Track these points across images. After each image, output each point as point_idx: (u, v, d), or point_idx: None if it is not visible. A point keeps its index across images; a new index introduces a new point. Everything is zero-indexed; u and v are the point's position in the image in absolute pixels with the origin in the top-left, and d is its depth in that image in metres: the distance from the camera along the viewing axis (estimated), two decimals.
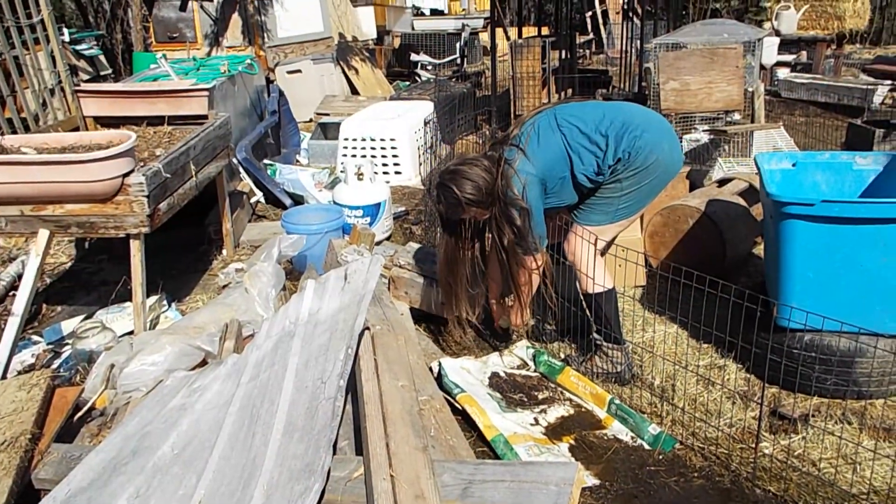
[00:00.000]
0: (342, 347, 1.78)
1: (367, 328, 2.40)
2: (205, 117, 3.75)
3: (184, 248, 4.05)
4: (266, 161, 5.41)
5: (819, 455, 2.31)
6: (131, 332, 3.00)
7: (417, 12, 11.38)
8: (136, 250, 2.89)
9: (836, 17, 10.47)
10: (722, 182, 4.01)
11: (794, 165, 3.00)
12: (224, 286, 3.45)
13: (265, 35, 7.86)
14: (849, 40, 12.79)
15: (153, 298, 3.23)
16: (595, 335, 2.82)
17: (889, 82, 8.80)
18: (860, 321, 2.41)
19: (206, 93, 3.73)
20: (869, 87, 8.46)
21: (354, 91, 8.77)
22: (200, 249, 4.06)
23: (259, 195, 4.85)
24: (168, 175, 3.04)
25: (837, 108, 8.36)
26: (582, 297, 2.81)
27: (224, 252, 4.01)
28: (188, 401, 2.10)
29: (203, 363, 2.59)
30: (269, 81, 6.97)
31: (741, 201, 3.71)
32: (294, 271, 3.78)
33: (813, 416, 2.48)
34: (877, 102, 8.26)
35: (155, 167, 2.95)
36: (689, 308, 2.76)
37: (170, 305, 3.34)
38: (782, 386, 2.63)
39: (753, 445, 2.32)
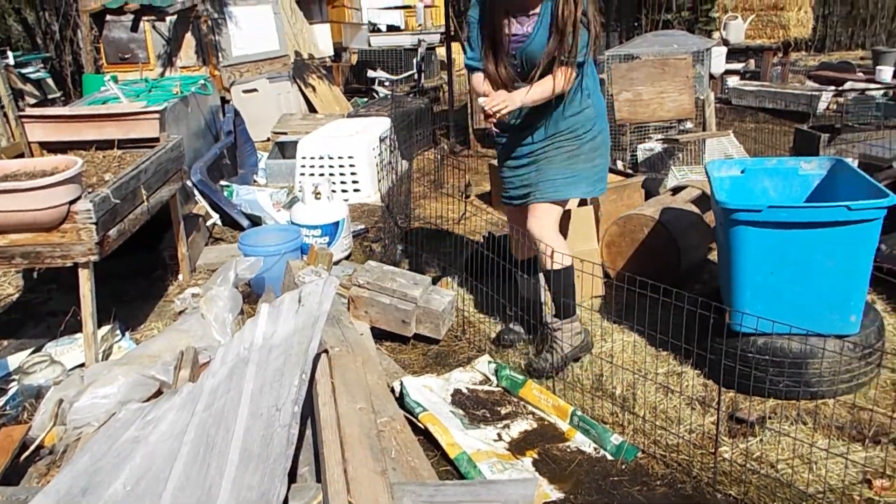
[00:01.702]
0: (297, 372, 1.76)
1: (326, 350, 2.38)
2: (157, 140, 3.69)
3: (138, 274, 3.97)
4: (222, 182, 5.35)
5: (776, 457, 2.34)
6: (82, 365, 2.92)
7: (374, 29, 11.38)
8: (86, 279, 2.82)
9: (781, 26, 10.82)
10: (676, 190, 4.07)
11: (742, 172, 3.06)
12: (180, 312, 3.39)
13: (220, 54, 7.79)
14: (794, 48, 13.15)
15: (105, 328, 3.15)
16: (552, 320, 2.92)
17: (833, 88, 9.06)
18: (810, 323, 2.46)
19: (157, 115, 3.67)
20: (814, 93, 8.69)
21: (312, 109, 8.72)
22: (155, 275, 3.98)
23: (215, 217, 4.79)
24: (118, 200, 2.98)
25: (785, 113, 8.57)
26: (545, 276, 2.95)
27: (180, 277, 3.94)
28: (142, 433, 2.05)
29: (158, 393, 2.54)
30: (224, 101, 6.91)
31: (695, 209, 3.77)
32: (252, 294, 3.73)
33: (769, 418, 2.52)
34: (821, 108, 8.50)
35: (103, 193, 2.89)
36: (646, 316, 2.79)
37: (123, 334, 3.27)
38: (739, 390, 2.67)
39: (713, 451, 2.34)
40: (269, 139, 7.37)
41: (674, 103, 5.50)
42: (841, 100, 8.52)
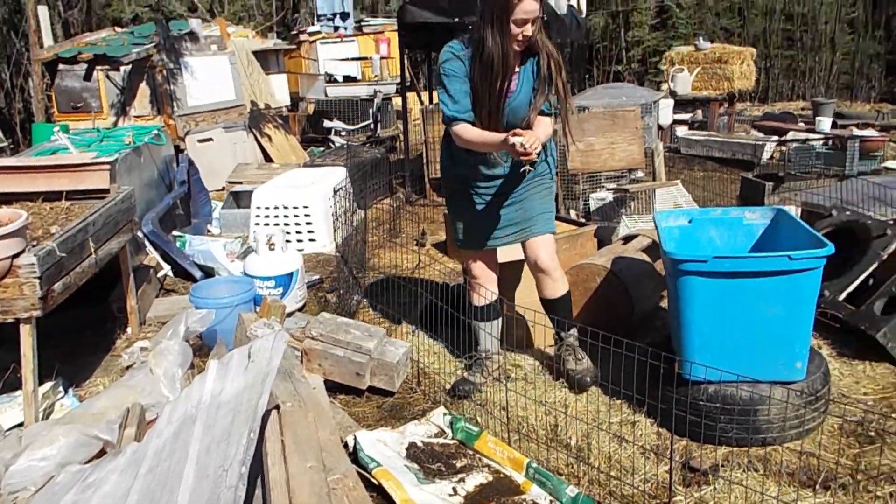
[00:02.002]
0: (245, 431, 1.72)
1: (277, 406, 2.33)
2: (106, 191, 3.64)
3: (85, 327, 3.86)
4: (175, 233, 5.28)
5: None
6: (21, 425, 2.81)
7: (330, 79, 11.49)
8: (27, 335, 2.74)
9: (725, 79, 11.29)
10: (627, 239, 4.15)
11: (690, 222, 3.14)
12: (127, 367, 3.30)
13: (175, 104, 7.77)
14: (739, 99, 13.69)
15: (47, 385, 3.05)
16: (571, 334, 3.03)
17: (776, 138, 9.42)
18: (757, 370, 2.51)
19: (107, 166, 3.63)
20: (758, 142, 9.02)
21: (268, 158, 8.72)
22: (103, 328, 3.88)
23: (167, 269, 4.71)
24: (63, 254, 2.92)
25: (732, 162, 8.86)
26: (552, 304, 3.14)
27: (128, 330, 3.85)
28: (81, 497, 1.97)
29: (102, 453, 2.45)
30: (178, 151, 6.87)
31: (646, 257, 3.84)
32: (204, 347, 3.66)
33: (722, 465, 2.54)
34: (766, 157, 8.81)
35: (49, 246, 2.83)
36: (599, 366, 2.81)
37: (66, 391, 3.16)
38: (692, 438, 2.68)
39: (667, 501, 2.35)
40: (223, 189, 7.33)
41: (624, 153, 5.65)
42: (784, 149, 8.86)
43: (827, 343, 3.49)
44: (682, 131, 10.13)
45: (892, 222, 4.07)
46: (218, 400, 1.99)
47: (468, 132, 2.87)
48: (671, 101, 10.11)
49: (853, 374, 3.20)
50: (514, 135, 2.63)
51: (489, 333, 3.24)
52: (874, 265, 3.62)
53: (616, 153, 5.67)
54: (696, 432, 2.62)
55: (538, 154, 2.72)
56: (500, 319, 3.27)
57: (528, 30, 2.80)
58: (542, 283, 3.16)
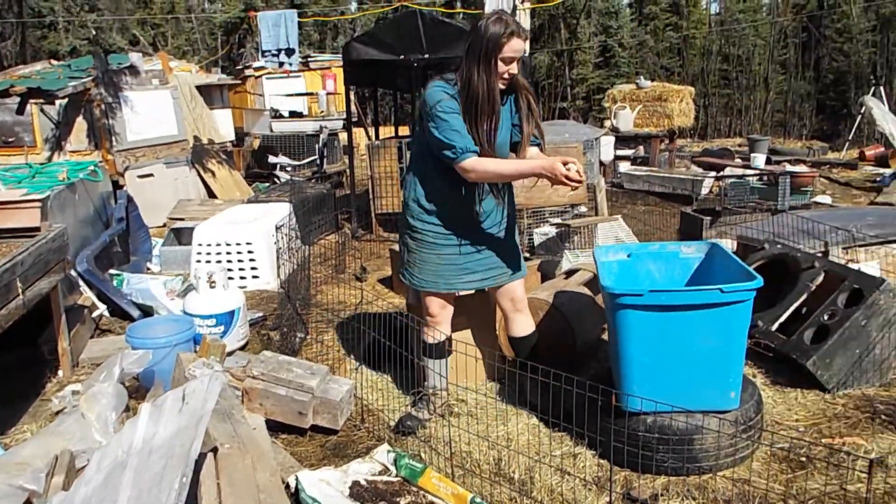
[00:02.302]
0: (177, 476, 1.67)
1: (215, 448, 2.28)
2: (37, 229, 3.53)
3: (12, 371, 3.71)
4: (112, 271, 5.14)
5: None
6: None
7: (276, 114, 11.47)
8: None
9: (665, 116, 11.70)
10: (569, 273, 4.22)
11: (629, 256, 3.21)
12: (58, 412, 3.18)
13: (114, 138, 7.63)
14: (679, 135, 14.17)
15: None
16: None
17: (713, 173, 9.74)
18: (693, 401, 2.57)
19: (37, 203, 3.54)
20: (697, 178, 9.31)
21: (212, 194, 8.61)
22: (32, 372, 3.73)
23: (102, 308, 4.57)
24: None
25: (672, 197, 9.12)
26: (528, 340, 3.29)
27: (60, 373, 3.71)
28: None
29: None
30: (117, 186, 6.73)
31: (587, 291, 3.90)
32: (141, 389, 3.55)
33: (661, 495, 2.57)
34: (704, 192, 9.10)
35: None
36: (538, 400, 2.83)
37: None
38: (632, 468, 2.72)
39: None
40: (164, 225, 7.20)
41: (567, 189, 5.75)
42: (721, 184, 9.17)
43: (761, 372, 3.60)
44: (624, 167, 10.40)
45: (820, 255, 4.25)
46: (150, 444, 1.93)
47: (489, 163, 2.86)
48: (612, 138, 10.39)
49: (786, 402, 3.30)
50: (563, 162, 2.70)
51: (437, 372, 3.24)
52: (804, 296, 3.76)
53: (559, 189, 5.76)
54: (635, 463, 2.66)
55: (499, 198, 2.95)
56: (448, 357, 3.28)
57: (514, 68, 2.88)
58: (515, 322, 3.24)
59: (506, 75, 2.87)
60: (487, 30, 2.82)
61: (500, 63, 2.83)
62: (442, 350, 3.23)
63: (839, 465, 2.70)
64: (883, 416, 3.10)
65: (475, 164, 2.83)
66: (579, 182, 2.70)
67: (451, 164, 2.86)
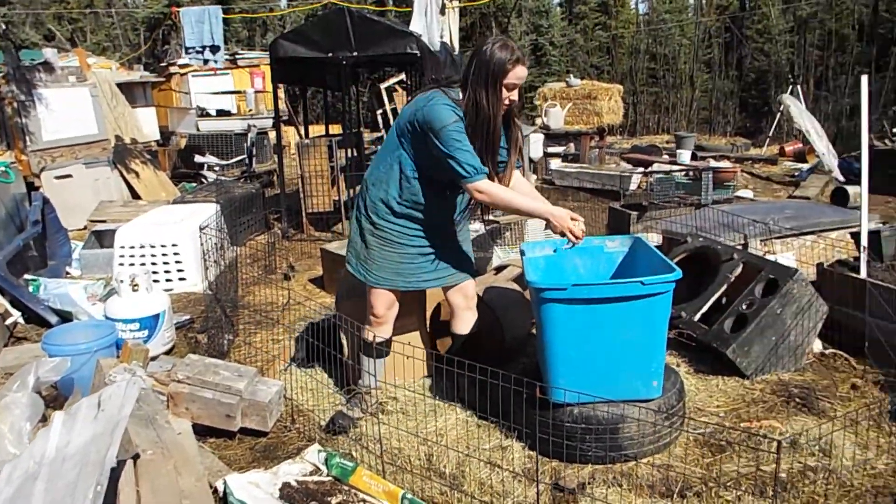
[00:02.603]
0: (91, 484, 1.62)
1: (137, 455, 2.22)
2: None
3: None
4: (28, 276, 4.93)
5: None
6: None
7: (203, 113, 11.20)
8: None
9: (595, 113, 11.94)
10: (499, 269, 4.26)
11: (554, 251, 3.26)
12: None
13: (28, 138, 7.31)
14: (609, 132, 14.46)
15: None
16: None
17: (641, 169, 9.99)
18: (617, 391, 2.63)
19: None
20: (625, 174, 9.53)
21: (135, 195, 8.35)
22: None
23: (16, 315, 4.38)
24: None
25: (602, 193, 9.31)
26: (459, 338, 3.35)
27: None
28: None
29: None
30: (33, 188, 6.45)
31: (516, 286, 3.95)
32: (60, 397, 3.41)
33: (588, 483, 2.63)
34: (632, 187, 9.32)
35: None
36: (465, 395, 2.85)
37: None
38: (560, 459, 2.77)
39: None
40: (85, 227, 6.94)
41: None
42: (649, 180, 9.41)
43: (684, 361, 3.71)
44: (555, 164, 10.56)
45: (739, 247, 4.40)
46: (63, 453, 1.86)
47: (503, 192, 2.93)
48: (541, 135, 10.52)
49: (707, 389, 3.42)
50: (573, 219, 2.85)
51: (371, 372, 3.22)
52: (724, 287, 3.90)
53: None
54: (563, 453, 2.71)
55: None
56: (386, 357, 3.28)
57: (515, 94, 2.95)
58: (462, 319, 3.29)
59: (507, 101, 2.94)
60: (493, 55, 2.85)
61: (503, 89, 2.89)
62: (381, 350, 3.23)
63: (756, 448, 2.81)
64: (797, 400, 3.25)
65: (490, 188, 2.88)
66: (579, 240, 2.85)
67: (460, 182, 2.88)
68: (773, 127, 14.20)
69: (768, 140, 14.23)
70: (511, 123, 3.06)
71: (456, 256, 3.20)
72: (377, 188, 3.08)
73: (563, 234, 2.85)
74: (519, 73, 2.90)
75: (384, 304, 3.17)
